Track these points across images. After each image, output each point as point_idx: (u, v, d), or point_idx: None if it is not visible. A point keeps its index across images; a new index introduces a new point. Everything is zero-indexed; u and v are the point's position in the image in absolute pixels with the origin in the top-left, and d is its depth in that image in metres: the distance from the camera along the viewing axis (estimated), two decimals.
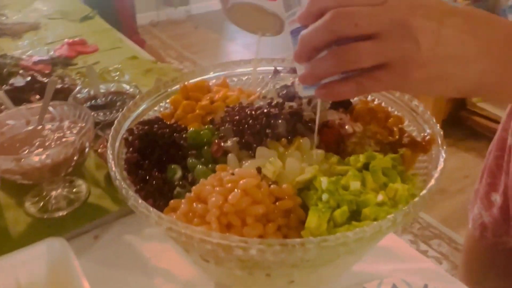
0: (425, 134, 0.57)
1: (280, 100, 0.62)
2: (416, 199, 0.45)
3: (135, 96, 0.94)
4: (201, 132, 0.58)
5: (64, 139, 0.72)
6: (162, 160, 0.57)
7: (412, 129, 0.61)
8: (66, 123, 0.75)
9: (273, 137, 0.56)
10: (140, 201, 0.46)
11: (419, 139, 0.57)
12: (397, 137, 0.59)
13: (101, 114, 0.89)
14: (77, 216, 0.74)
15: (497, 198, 0.78)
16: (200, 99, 0.68)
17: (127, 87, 0.98)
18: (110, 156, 0.52)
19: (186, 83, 0.69)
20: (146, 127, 0.59)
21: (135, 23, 2.36)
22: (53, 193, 0.76)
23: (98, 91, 0.95)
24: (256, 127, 0.56)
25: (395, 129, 0.60)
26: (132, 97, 0.95)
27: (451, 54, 0.38)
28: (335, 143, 0.58)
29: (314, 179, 0.50)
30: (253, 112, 0.59)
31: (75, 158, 0.70)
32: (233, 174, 0.49)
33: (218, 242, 0.41)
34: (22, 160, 0.64)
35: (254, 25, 0.65)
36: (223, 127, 0.59)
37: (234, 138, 0.57)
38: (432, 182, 0.47)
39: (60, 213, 0.74)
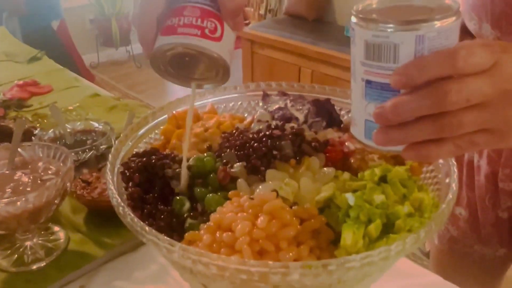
0: None
1: (277, 122, 0.61)
2: (443, 205, 0.45)
3: (106, 133, 0.89)
4: (205, 160, 0.55)
5: (40, 181, 0.66)
6: (164, 192, 0.53)
7: None
8: (40, 165, 0.69)
9: (281, 158, 0.55)
10: (161, 236, 0.42)
11: None
12: None
13: (73, 154, 0.83)
14: (58, 266, 0.67)
15: (461, 211, 0.80)
16: (191, 127, 0.65)
17: (96, 124, 0.92)
18: (115, 192, 0.48)
19: (174, 112, 0.66)
20: (143, 159, 0.55)
21: (79, 56, 2.28)
22: (28, 243, 0.69)
23: (65, 130, 0.89)
24: (262, 149, 0.55)
25: None
26: (103, 134, 0.90)
27: None
28: (340, 161, 0.57)
29: (334, 197, 0.48)
30: (255, 135, 0.57)
31: (56, 201, 0.64)
32: (252, 198, 0.47)
33: (256, 271, 0.38)
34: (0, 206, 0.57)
35: (188, 74, 0.50)
36: (224, 153, 0.57)
37: (241, 163, 0.54)
38: (453, 187, 0.47)
39: (39, 265, 0.66)
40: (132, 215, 0.45)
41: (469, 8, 0.62)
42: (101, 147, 0.84)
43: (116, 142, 0.57)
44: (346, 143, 0.61)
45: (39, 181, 0.66)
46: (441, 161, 0.55)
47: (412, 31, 0.35)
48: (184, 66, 0.48)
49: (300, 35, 2.73)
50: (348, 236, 0.42)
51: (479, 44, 0.35)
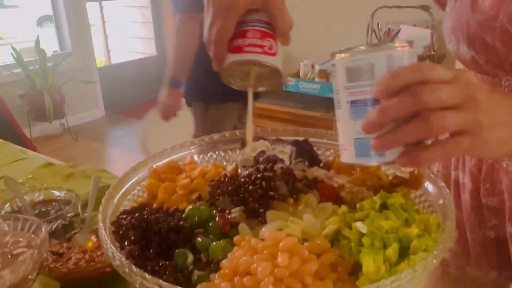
0: (412, 171, 0.60)
1: (265, 165, 0.61)
2: (448, 222, 0.46)
3: (70, 201, 0.84)
4: (201, 208, 0.53)
5: (10, 256, 0.59)
6: (162, 247, 0.50)
7: (392, 171, 0.64)
8: (8, 239, 0.62)
9: (278, 199, 0.54)
10: None
11: (406, 177, 0.60)
12: (387, 179, 0.61)
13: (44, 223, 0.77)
14: None
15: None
16: (174, 180, 0.63)
17: (57, 193, 0.87)
18: (115, 251, 0.45)
19: (154, 166, 0.64)
20: (135, 215, 0.52)
21: (9, 112, 2.15)
22: None
23: (24, 202, 0.82)
24: (258, 192, 0.54)
25: (378, 173, 0.63)
26: (66, 202, 0.84)
27: (505, 120, 0.43)
28: (333, 196, 0.58)
29: (341, 229, 0.48)
30: (247, 179, 0.56)
31: (32, 276, 0.58)
32: (263, 240, 0.45)
33: None
34: None
35: (249, 82, 0.62)
36: (218, 201, 0.55)
37: (238, 208, 0.53)
38: (451, 206, 0.49)
39: None
40: (142, 272, 0.41)
41: (448, 31, 0.70)
42: (68, 215, 0.79)
43: (103, 201, 0.54)
44: (334, 178, 0.62)
45: (9, 256, 0.59)
46: (430, 185, 0.57)
47: (382, 51, 0.43)
48: (247, 76, 0.60)
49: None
50: (369, 263, 0.42)
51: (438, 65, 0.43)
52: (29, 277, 0.58)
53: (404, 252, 0.44)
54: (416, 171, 0.59)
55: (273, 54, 0.55)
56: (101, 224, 0.49)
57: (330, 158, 0.70)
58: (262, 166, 0.61)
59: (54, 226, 0.76)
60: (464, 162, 0.76)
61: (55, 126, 3.91)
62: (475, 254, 0.78)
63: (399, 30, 2.48)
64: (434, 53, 2.38)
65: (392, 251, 0.43)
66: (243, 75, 0.59)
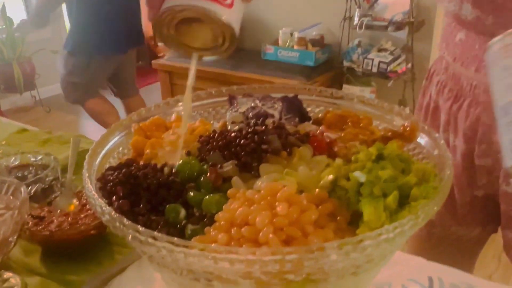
0: (405, 125, 0.59)
1: (256, 120, 0.59)
2: (447, 170, 0.46)
3: (49, 165, 0.80)
4: (191, 163, 0.51)
5: None
6: (153, 203, 0.48)
7: (385, 126, 0.63)
8: None
9: (271, 152, 0.52)
10: (177, 239, 0.37)
11: (399, 130, 0.59)
12: (380, 133, 0.60)
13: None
14: None
15: None
16: (160, 137, 0.60)
17: (34, 158, 0.83)
18: (104, 205, 0.42)
19: (140, 124, 0.61)
20: (123, 170, 0.49)
21: None
22: None
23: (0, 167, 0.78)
24: (251, 145, 0.52)
25: (371, 127, 0.61)
26: (44, 167, 0.80)
27: None
28: (326, 151, 0.57)
29: (338, 180, 0.47)
30: (238, 134, 0.54)
31: (12, 239, 0.55)
32: (259, 191, 0.44)
33: (292, 258, 0.35)
34: None
35: (192, 42, 0.49)
36: (208, 156, 0.53)
37: (231, 161, 0.51)
38: (448, 154, 0.49)
39: None
40: (134, 224, 0.39)
41: None
42: (47, 179, 0.75)
43: (87, 157, 0.51)
44: (325, 134, 0.60)
45: None
46: (423, 137, 0.56)
47: None
48: (189, 33, 0.46)
49: (218, 63, 2.75)
50: (370, 211, 0.41)
51: None
52: (9, 239, 0.55)
53: (403, 201, 0.43)
54: (409, 124, 0.58)
55: (229, 6, 0.44)
56: (87, 180, 0.46)
57: (320, 115, 0.69)
58: (253, 121, 0.59)
59: (33, 190, 0.73)
60: (457, 124, 0.76)
61: (26, 98, 3.77)
62: (462, 214, 0.78)
63: None
64: (413, 20, 2.37)
65: (393, 198, 0.42)
66: (187, 33, 0.47)
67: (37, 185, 0.73)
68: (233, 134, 0.54)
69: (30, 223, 0.65)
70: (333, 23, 2.71)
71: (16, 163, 0.83)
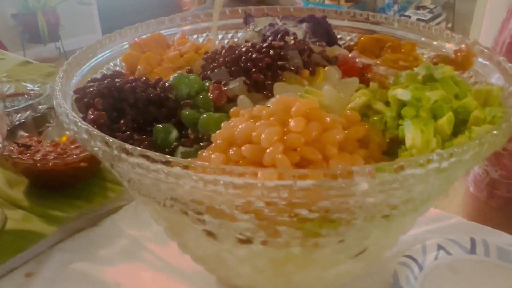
0: (458, 49, 0.47)
1: (271, 38, 0.49)
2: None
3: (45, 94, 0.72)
4: (191, 77, 0.41)
5: None
6: (140, 123, 0.39)
7: (431, 54, 0.51)
8: None
9: (290, 69, 0.42)
10: (153, 153, 0.28)
11: (451, 56, 0.48)
12: (424, 60, 0.49)
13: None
14: None
15: (507, 145, 0.71)
16: (160, 54, 0.51)
17: (31, 86, 0.75)
18: (70, 112, 0.33)
19: (136, 39, 0.52)
20: (105, 82, 0.40)
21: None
22: None
23: None
24: (265, 60, 0.42)
25: (414, 53, 0.50)
26: (40, 96, 0.72)
27: None
28: (359, 76, 0.46)
29: (372, 103, 0.37)
30: (251, 49, 0.44)
31: None
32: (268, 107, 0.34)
33: (308, 184, 0.25)
34: None
35: None
36: (213, 72, 0.43)
37: (239, 78, 0.41)
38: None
39: None
40: (103, 134, 0.30)
41: None
42: (40, 107, 0.67)
43: (64, 64, 0.42)
44: (358, 59, 0.49)
45: None
46: (483, 63, 0.45)
47: None
48: None
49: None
50: (416, 135, 0.30)
51: None
52: None
53: (460, 129, 0.33)
54: (464, 48, 0.47)
55: None
56: (58, 86, 0.37)
57: (352, 43, 0.58)
58: (270, 38, 0.48)
59: (23, 118, 0.65)
60: None
61: (51, 49, 3.73)
62: None
63: None
64: None
65: (448, 120, 0.31)
66: None
67: (28, 112, 0.66)
68: (243, 49, 0.44)
69: (15, 150, 0.58)
70: None
71: (12, 91, 0.75)
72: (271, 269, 0.37)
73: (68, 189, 0.58)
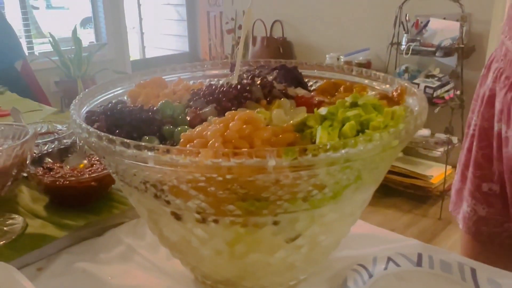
0: (395, 88, 0.58)
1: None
2: (423, 103, 0.46)
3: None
4: (175, 104, 0.54)
5: None
6: (133, 137, 0.51)
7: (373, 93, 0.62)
8: None
9: (252, 99, 0.54)
10: (131, 141, 0.39)
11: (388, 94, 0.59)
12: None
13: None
14: (14, 247, 0.61)
15: (492, 186, 0.79)
16: (158, 92, 0.64)
17: (60, 126, 0.89)
18: (80, 120, 0.46)
19: (141, 81, 0.65)
20: (109, 105, 0.53)
21: (45, 95, 2.25)
22: None
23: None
24: (233, 92, 0.54)
25: (363, 93, 0.61)
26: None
27: None
28: (311, 109, 0.57)
29: (307, 120, 0.48)
30: (224, 85, 0.56)
31: (14, 172, 0.60)
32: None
33: (233, 163, 0.36)
34: None
35: None
36: (194, 101, 0.56)
37: (211, 105, 0.53)
38: (423, 96, 0.48)
39: None
40: (97, 131, 0.42)
41: None
42: (64, 141, 0.81)
43: (81, 94, 0.55)
44: (315, 97, 0.61)
45: None
46: (410, 98, 0.56)
47: None
48: None
49: None
50: (324, 135, 0.41)
51: None
52: (11, 171, 0.60)
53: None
54: (398, 88, 0.58)
55: None
56: (76, 106, 0.50)
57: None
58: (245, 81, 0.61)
59: (49, 148, 0.79)
60: (510, 115, 0.73)
61: None
62: None
63: (427, 22, 2.43)
64: (463, 46, 2.32)
65: (349, 127, 0.42)
66: None
67: (55, 143, 0.79)
68: (220, 86, 0.57)
69: (40, 172, 0.70)
70: (380, 48, 2.70)
71: (43, 130, 0.90)
72: (226, 250, 0.46)
73: (81, 207, 0.69)
